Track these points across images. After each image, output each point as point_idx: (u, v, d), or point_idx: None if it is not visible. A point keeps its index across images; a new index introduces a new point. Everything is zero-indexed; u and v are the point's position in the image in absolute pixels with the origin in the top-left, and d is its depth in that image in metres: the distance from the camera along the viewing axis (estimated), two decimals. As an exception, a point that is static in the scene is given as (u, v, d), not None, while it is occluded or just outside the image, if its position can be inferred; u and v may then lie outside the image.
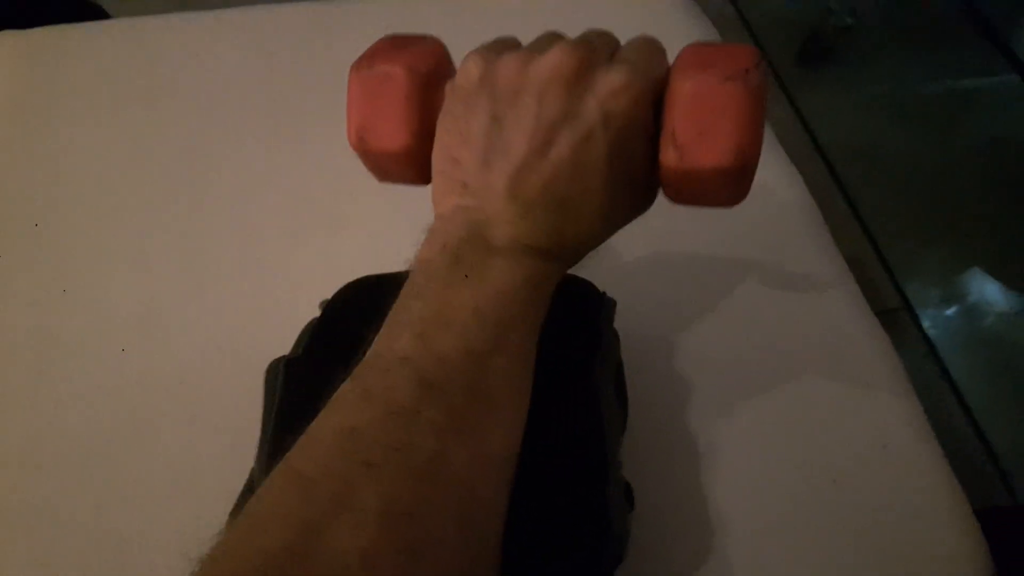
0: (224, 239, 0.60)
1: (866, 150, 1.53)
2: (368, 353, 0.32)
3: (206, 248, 0.59)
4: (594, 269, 0.46)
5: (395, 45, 0.39)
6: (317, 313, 0.49)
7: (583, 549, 0.34)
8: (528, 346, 0.34)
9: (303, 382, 0.41)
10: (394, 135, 0.38)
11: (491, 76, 0.35)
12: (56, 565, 0.44)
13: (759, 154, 0.34)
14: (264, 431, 0.41)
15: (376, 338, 0.33)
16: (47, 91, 0.70)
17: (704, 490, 0.47)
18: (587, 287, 0.45)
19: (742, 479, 0.48)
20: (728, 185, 0.35)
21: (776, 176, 0.65)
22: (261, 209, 0.62)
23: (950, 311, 1.32)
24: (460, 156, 0.36)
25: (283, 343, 0.46)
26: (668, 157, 0.34)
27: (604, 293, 0.45)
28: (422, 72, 0.37)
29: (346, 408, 0.30)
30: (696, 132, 0.33)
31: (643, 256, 0.58)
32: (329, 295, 0.48)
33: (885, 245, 1.37)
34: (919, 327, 1.28)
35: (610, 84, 0.33)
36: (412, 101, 0.37)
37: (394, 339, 0.32)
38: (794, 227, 0.62)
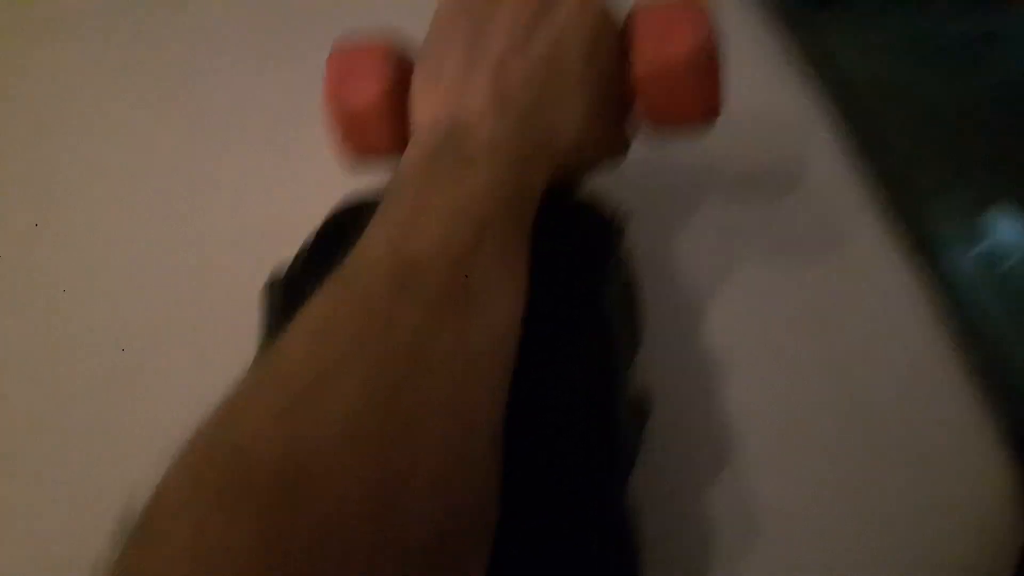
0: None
1: (884, 90, 1.50)
2: (348, 256, 0.32)
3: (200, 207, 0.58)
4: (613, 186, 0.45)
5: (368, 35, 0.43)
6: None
7: (591, 464, 0.33)
8: (512, 246, 0.34)
9: (297, 297, 0.40)
10: (370, 86, 0.41)
11: None
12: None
13: (719, 58, 0.38)
14: (259, 347, 0.40)
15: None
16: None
17: (720, 399, 0.45)
18: (596, 207, 0.44)
19: (760, 388, 0.46)
20: (699, 79, 0.38)
21: (788, 102, 0.65)
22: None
23: (970, 248, 1.29)
24: (443, 65, 0.38)
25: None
26: (639, 64, 0.38)
27: (616, 209, 0.44)
28: (398, 44, 0.42)
29: (318, 310, 0.29)
30: (662, 30, 0.38)
31: (660, 174, 0.57)
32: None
33: (905, 183, 1.34)
34: (938, 265, 1.25)
35: None
36: (388, 60, 0.41)
37: (366, 245, 0.32)
38: (809, 147, 0.61)
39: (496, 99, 0.35)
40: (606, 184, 0.45)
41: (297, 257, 0.43)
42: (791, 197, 0.57)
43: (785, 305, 0.50)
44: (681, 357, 0.47)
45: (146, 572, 0.21)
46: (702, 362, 0.47)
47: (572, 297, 0.37)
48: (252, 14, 0.68)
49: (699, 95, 0.39)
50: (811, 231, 0.55)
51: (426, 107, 0.38)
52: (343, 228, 0.43)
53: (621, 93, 0.40)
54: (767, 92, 0.64)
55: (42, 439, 0.47)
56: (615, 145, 0.41)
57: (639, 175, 0.55)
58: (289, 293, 0.40)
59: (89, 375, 0.49)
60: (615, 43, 0.39)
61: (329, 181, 0.48)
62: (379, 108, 0.41)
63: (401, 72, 0.41)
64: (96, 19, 0.69)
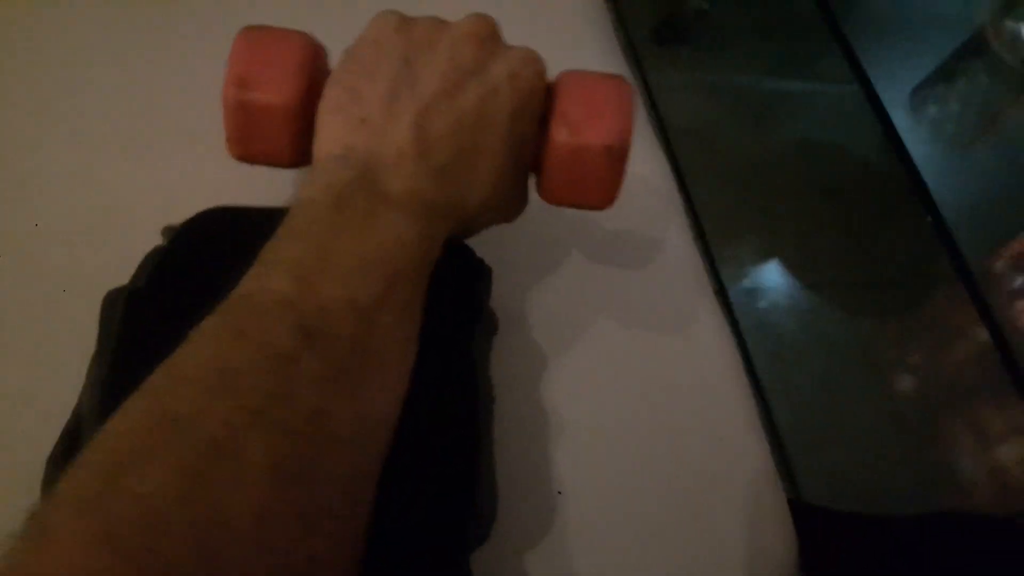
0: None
1: (702, 133, 1.60)
2: (236, 291, 0.29)
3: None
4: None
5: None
6: (158, 240, 0.44)
7: (448, 522, 0.34)
8: (415, 306, 0.33)
9: (146, 316, 0.37)
10: (281, 87, 0.37)
11: (407, 28, 0.37)
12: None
13: (629, 152, 0.39)
14: (98, 366, 0.37)
15: (245, 277, 0.30)
16: None
17: (551, 462, 0.47)
18: (466, 252, 0.43)
19: (588, 448, 0.49)
20: (607, 170, 0.38)
21: (646, 164, 0.66)
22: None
23: (750, 297, 1.42)
24: (363, 89, 0.35)
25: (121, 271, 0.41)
26: (559, 134, 0.37)
27: (482, 260, 0.44)
28: (315, 42, 0.39)
29: (217, 346, 0.27)
30: (587, 112, 0.38)
31: (500, 234, 0.57)
32: (172, 220, 0.44)
33: (708, 229, 1.45)
34: (728, 309, 1.36)
35: (518, 53, 0.37)
36: (306, 60, 0.37)
37: (268, 279, 0.29)
38: (657, 214, 0.63)
39: (417, 143, 0.34)
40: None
41: (142, 268, 0.40)
42: (629, 255, 0.59)
43: (611, 369, 0.53)
44: (518, 414, 0.48)
45: None
46: (538, 420, 0.49)
47: (444, 342, 0.36)
48: None
49: (601, 185, 0.39)
50: (638, 289, 0.57)
51: (337, 133, 0.35)
52: (201, 242, 0.41)
53: (530, 158, 0.39)
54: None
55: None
56: (514, 206, 0.41)
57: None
58: (135, 306, 0.38)
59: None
60: (539, 108, 0.38)
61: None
62: (285, 115, 0.37)
63: (314, 78, 0.37)
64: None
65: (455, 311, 0.38)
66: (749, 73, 1.75)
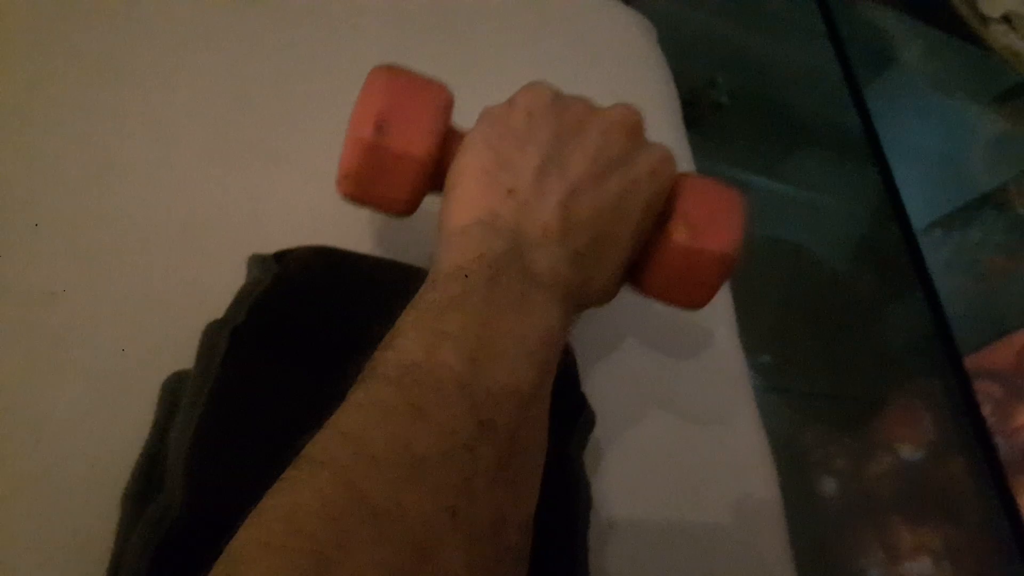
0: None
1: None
2: (393, 353, 0.28)
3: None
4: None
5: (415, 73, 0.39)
6: (240, 261, 0.42)
7: None
8: (549, 399, 0.32)
9: (246, 354, 0.36)
10: (423, 138, 0.36)
11: (560, 105, 0.37)
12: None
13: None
14: (193, 399, 0.35)
15: (398, 336, 0.29)
16: None
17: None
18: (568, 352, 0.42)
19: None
20: (715, 277, 0.39)
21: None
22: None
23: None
24: (513, 159, 0.35)
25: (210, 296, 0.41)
26: (679, 234, 0.37)
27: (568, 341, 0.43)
28: (451, 95, 0.38)
29: (399, 424, 0.26)
30: (707, 216, 0.38)
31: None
32: (254, 243, 0.43)
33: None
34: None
35: (659, 150, 0.37)
36: (446, 113, 0.37)
37: (436, 349, 0.28)
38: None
39: (562, 224, 0.33)
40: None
41: (239, 301, 0.39)
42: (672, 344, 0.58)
43: (652, 456, 0.51)
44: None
45: None
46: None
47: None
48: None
49: (702, 289, 0.39)
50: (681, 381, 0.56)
51: (481, 198, 0.34)
52: (304, 283, 0.39)
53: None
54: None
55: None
56: (611, 294, 0.39)
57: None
58: (237, 343, 0.36)
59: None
60: (662, 206, 0.38)
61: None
62: (420, 167, 0.36)
63: (448, 132, 0.37)
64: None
65: (556, 402, 0.37)
66: (747, 169, 1.78)
